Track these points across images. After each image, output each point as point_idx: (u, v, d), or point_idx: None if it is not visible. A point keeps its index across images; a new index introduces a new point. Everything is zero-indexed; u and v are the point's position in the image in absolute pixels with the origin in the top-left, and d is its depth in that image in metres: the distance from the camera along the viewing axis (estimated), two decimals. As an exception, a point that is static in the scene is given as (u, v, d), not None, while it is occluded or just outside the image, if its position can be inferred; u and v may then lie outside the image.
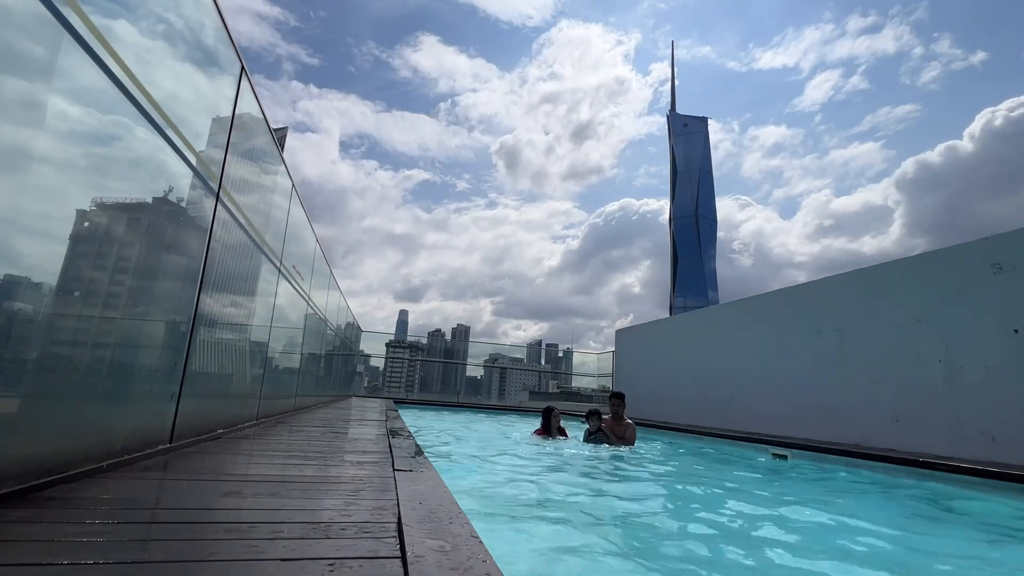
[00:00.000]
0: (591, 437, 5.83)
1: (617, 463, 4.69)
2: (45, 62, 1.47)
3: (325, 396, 8.92)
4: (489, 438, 6.62)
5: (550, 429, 6.13)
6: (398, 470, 2.19)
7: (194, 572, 1.01)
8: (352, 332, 12.77)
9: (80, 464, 1.73)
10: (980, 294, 4.93)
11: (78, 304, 1.78)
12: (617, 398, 6.20)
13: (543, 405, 6.57)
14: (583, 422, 6.27)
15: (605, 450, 5.42)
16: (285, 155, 4.50)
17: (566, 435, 6.25)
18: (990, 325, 4.80)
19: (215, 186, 2.79)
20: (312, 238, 6.26)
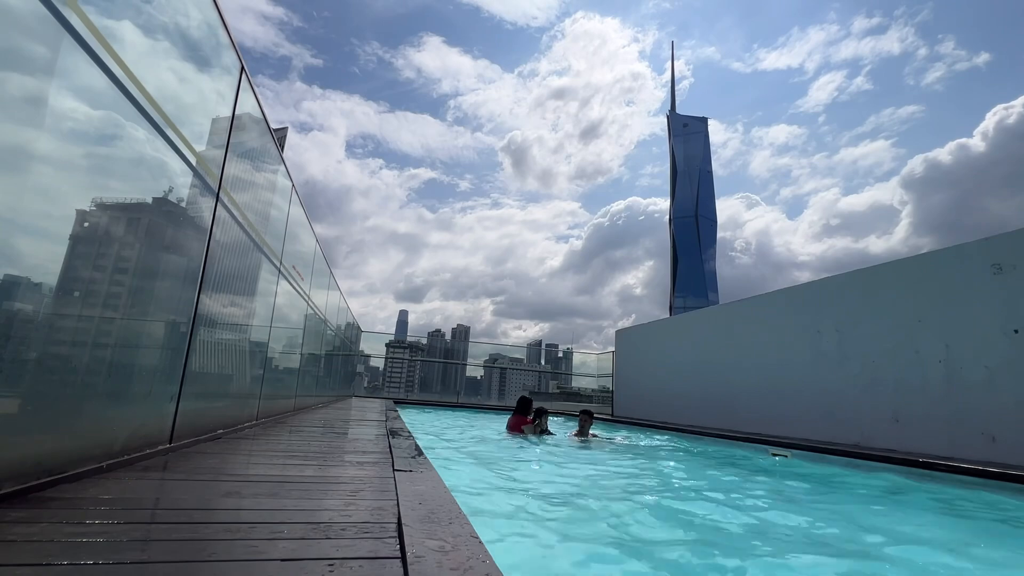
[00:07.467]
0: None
1: (609, 461, 4.68)
2: (45, 62, 1.47)
3: (325, 396, 8.91)
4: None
5: (526, 415, 6.37)
6: (398, 470, 2.19)
7: (194, 572, 1.01)
8: (352, 332, 12.77)
9: (80, 464, 1.73)
10: (980, 294, 4.93)
11: (78, 304, 1.78)
12: (585, 415, 6.53)
13: (541, 405, 6.81)
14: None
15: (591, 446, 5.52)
16: (288, 155, 4.51)
17: (540, 431, 6.34)
18: (990, 325, 4.80)
19: (215, 186, 2.79)
20: (312, 238, 6.26)
